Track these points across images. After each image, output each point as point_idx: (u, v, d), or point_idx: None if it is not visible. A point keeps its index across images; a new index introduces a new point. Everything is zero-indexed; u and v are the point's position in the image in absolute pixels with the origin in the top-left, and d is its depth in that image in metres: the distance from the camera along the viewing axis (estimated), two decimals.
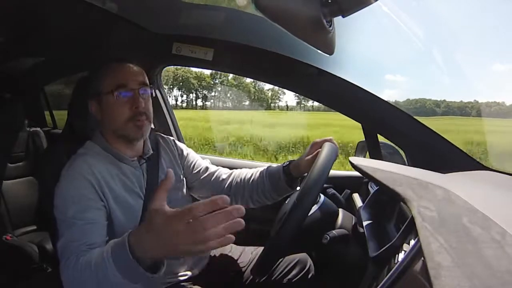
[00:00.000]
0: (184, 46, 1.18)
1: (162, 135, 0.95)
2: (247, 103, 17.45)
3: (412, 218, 0.43)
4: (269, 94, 16.89)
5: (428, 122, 1.00)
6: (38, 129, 1.75)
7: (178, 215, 0.48)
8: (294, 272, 0.91)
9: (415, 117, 0.98)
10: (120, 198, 0.76)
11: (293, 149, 6.92)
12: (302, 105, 16.79)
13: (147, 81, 0.80)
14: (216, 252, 0.97)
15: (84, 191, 0.71)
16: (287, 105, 17.26)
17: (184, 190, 0.91)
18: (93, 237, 0.68)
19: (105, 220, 0.73)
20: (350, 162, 0.61)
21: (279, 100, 17.16)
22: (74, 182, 0.71)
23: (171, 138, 0.96)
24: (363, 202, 0.97)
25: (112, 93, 0.75)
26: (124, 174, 0.79)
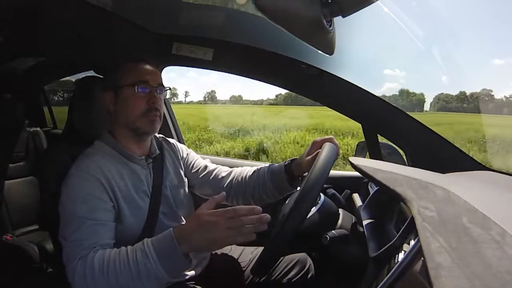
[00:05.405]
0: (184, 46, 1.18)
1: (165, 137, 0.98)
2: None
3: (412, 218, 0.43)
4: None
5: None
6: (38, 129, 1.75)
7: (224, 213, 0.58)
8: (294, 272, 0.91)
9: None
10: (129, 197, 0.77)
11: None
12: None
13: (163, 82, 0.84)
14: (217, 252, 0.97)
15: (94, 191, 0.72)
16: None
17: (186, 189, 0.93)
18: (103, 237, 0.69)
19: (113, 222, 0.73)
20: (350, 162, 0.61)
21: None
22: (83, 182, 0.72)
23: (173, 140, 0.99)
24: (363, 202, 0.96)
25: (133, 86, 0.79)
26: (133, 173, 0.80)
